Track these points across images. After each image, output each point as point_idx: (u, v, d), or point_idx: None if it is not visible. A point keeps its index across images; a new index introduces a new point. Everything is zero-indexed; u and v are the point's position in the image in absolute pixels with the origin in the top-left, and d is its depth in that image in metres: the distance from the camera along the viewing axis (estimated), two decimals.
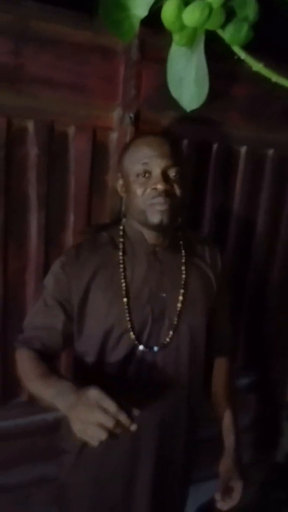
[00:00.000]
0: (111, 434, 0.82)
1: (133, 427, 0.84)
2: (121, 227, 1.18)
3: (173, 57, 0.82)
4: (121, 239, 1.16)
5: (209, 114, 1.51)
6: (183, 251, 1.19)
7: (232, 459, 1.21)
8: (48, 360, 1.08)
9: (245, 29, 0.73)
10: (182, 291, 1.14)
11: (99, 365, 1.11)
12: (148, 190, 1.06)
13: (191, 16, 0.71)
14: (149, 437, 1.13)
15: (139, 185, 1.07)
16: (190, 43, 0.77)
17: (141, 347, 1.10)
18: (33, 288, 1.44)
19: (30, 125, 1.31)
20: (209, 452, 1.19)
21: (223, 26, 0.73)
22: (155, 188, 1.04)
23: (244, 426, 1.19)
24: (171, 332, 1.12)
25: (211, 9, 0.70)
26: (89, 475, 1.17)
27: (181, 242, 1.20)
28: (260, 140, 1.72)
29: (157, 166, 1.05)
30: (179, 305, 1.13)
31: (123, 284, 1.10)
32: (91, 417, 0.83)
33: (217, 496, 1.19)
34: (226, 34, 0.73)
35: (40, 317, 1.13)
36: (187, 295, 1.14)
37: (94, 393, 0.86)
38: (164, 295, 1.12)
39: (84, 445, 1.14)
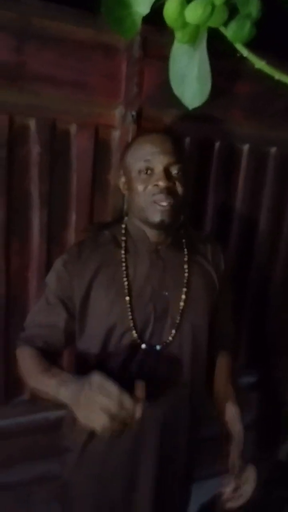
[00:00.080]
0: (118, 427, 0.82)
1: (138, 412, 0.84)
2: (123, 225, 1.18)
3: (175, 55, 0.81)
4: (123, 237, 1.16)
5: (211, 112, 1.50)
6: (185, 249, 1.19)
7: (242, 447, 1.13)
8: (50, 358, 1.08)
9: (247, 26, 0.72)
10: (184, 289, 1.13)
11: (101, 363, 1.11)
12: (150, 187, 1.05)
13: (194, 13, 0.70)
14: (151, 435, 1.13)
15: (141, 182, 1.06)
16: (193, 40, 0.77)
17: (143, 346, 1.10)
18: (35, 286, 1.44)
19: (32, 123, 1.31)
20: (211, 450, 1.18)
21: (225, 24, 0.72)
22: (156, 185, 1.04)
23: (247, 424, 1.18)
24: (173, 331, 1.11)
25: (213, 6, 0.69)
26: (91, 474, 1.17)
27: (183, 240, 1.20)
28: (262, 138, 1.71)
29: (159, 163, 1.05)
30: (181, 303, 1.12)
31: (125, 283, 1.10)
32: (94, 401, 0.83)
33: (227, 489, 1.10)
34: (229, 32, 0.73)
35: (42, 315, 1.13)
36: (190, 294, 1.14)
37: (97, 379, 0.86)
38: (166, 293, 1.12)
39: (87, 443, 1.14)
